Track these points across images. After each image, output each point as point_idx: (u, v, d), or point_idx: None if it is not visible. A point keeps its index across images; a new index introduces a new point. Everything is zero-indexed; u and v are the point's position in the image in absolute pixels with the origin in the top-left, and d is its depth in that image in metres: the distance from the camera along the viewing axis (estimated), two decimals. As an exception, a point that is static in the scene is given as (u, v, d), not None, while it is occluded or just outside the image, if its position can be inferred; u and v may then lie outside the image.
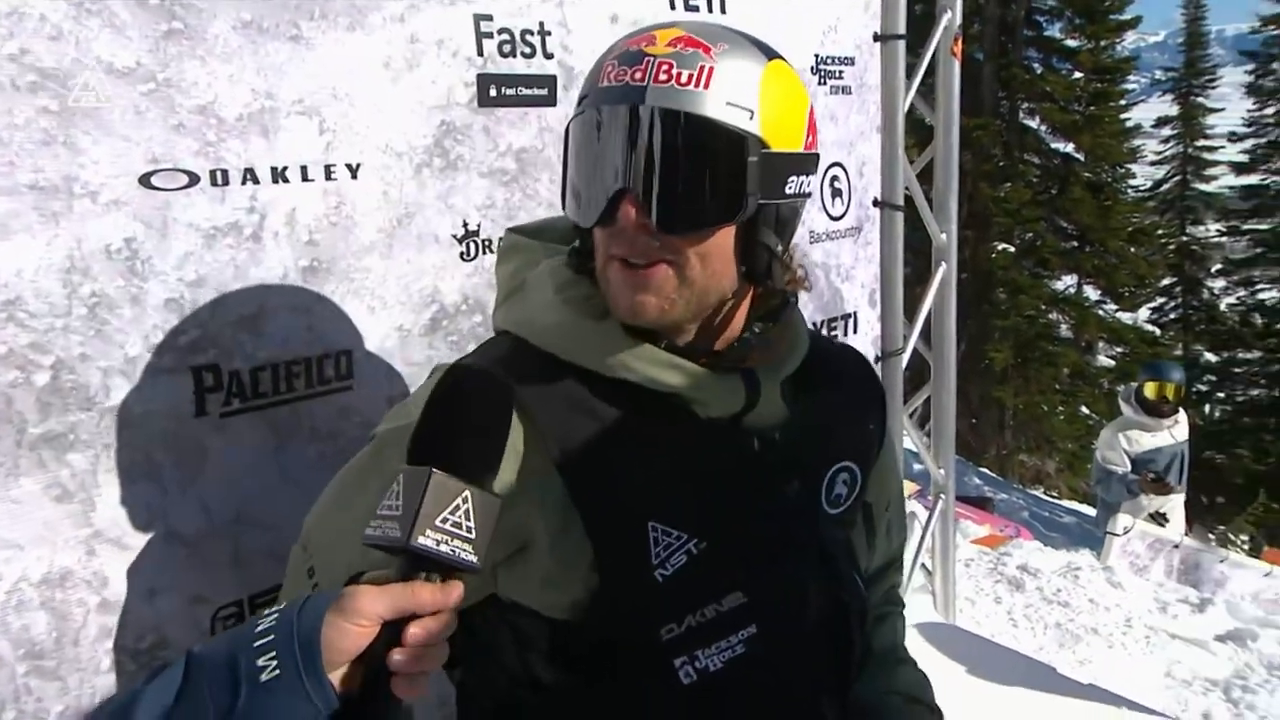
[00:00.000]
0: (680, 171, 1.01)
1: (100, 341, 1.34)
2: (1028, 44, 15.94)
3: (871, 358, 2.69)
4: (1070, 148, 15.77)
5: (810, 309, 2.45)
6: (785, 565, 1.14)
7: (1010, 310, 14.80)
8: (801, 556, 1.16)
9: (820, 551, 1.18)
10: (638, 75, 1.01)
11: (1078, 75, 15.73)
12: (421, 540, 0.82)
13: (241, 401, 1.49)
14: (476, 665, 1.20)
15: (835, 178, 2.49)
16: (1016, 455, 15.04)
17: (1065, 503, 11.87)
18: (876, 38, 2.55)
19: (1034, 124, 15.91)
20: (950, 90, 2.86)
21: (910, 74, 2.69)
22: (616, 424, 1.08)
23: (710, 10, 2.08)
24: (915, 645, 2.01)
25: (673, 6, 2.01)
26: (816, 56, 2.37)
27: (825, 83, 2.39)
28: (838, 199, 2.51)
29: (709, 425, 1.11)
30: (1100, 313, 15.86)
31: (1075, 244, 15.74)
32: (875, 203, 2.60)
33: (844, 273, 2.55)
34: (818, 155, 1.15)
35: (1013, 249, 15.38)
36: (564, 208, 1.11)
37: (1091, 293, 16.24)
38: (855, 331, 2.62)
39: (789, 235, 1.13)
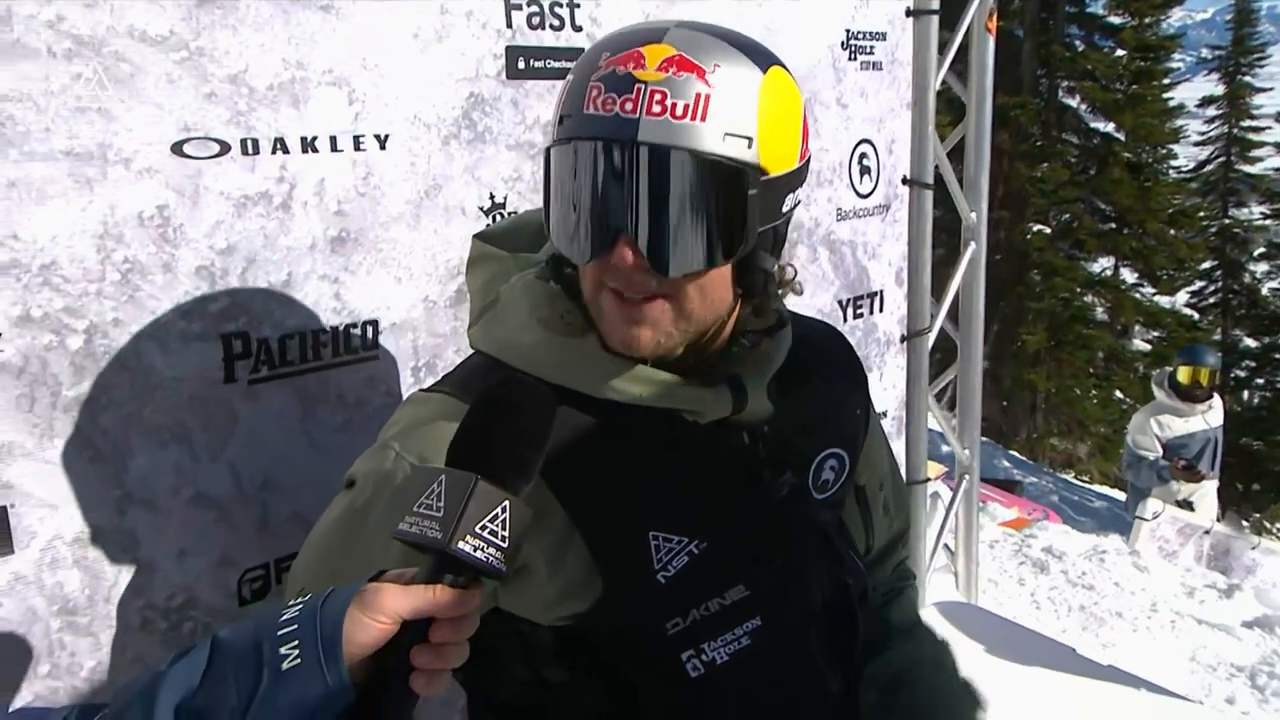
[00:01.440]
0: (679, 214, 0.97)
1: (133, 307, 1.36)
2: (1069, 21, 15.68)
3: (897, 337, 2.68)
4: (1111, 127, 15.53)
5: (836, 286, 2.45)
6: (784, 555, 1.14)
7: (1045, 292, 14.64)
8: (799, 545, 1.16)
9: (818, 537, 1.19)
10: (629, 106, 0.95)
11: (1120, 53, 15.45)
12: (461, 545, 0.83)
13: (270, 369, 1.51)
14: (486, 667, 1.20)
15: (864, 155, 2.47)
16: (1048, 439, 14.93)
17: (1096, 487, 11.79)
18: (909, 12, 2.52)
19: (1074, 103, 15.68)
20: (984, 67, 2.82)
21: (943, 50, 2.66)
22: (606, 439, 1.08)
23: (742, -16, 2.06)
24: (935, 624, 2.02)
25: (703, -20, 2.00)
26: (848, 31, 2.35)
27: (855, 58, 2.37)
28: (866, 176, 2.49)
29: (698, 428, 1.10)
30: (1137, 296, 15.65)
31: (1113, 225, 15.52)
32: (904, 181, 2.59)
33: (871, 250, 2.53)
34: (809, 160, 1.11)
35: (1049, 230, 15.20)
36: (549, 235, 1.06)
37: (1129, 275, 16.02)
38: (881, 310, 2.61)
39: (783, 243, 1.13)
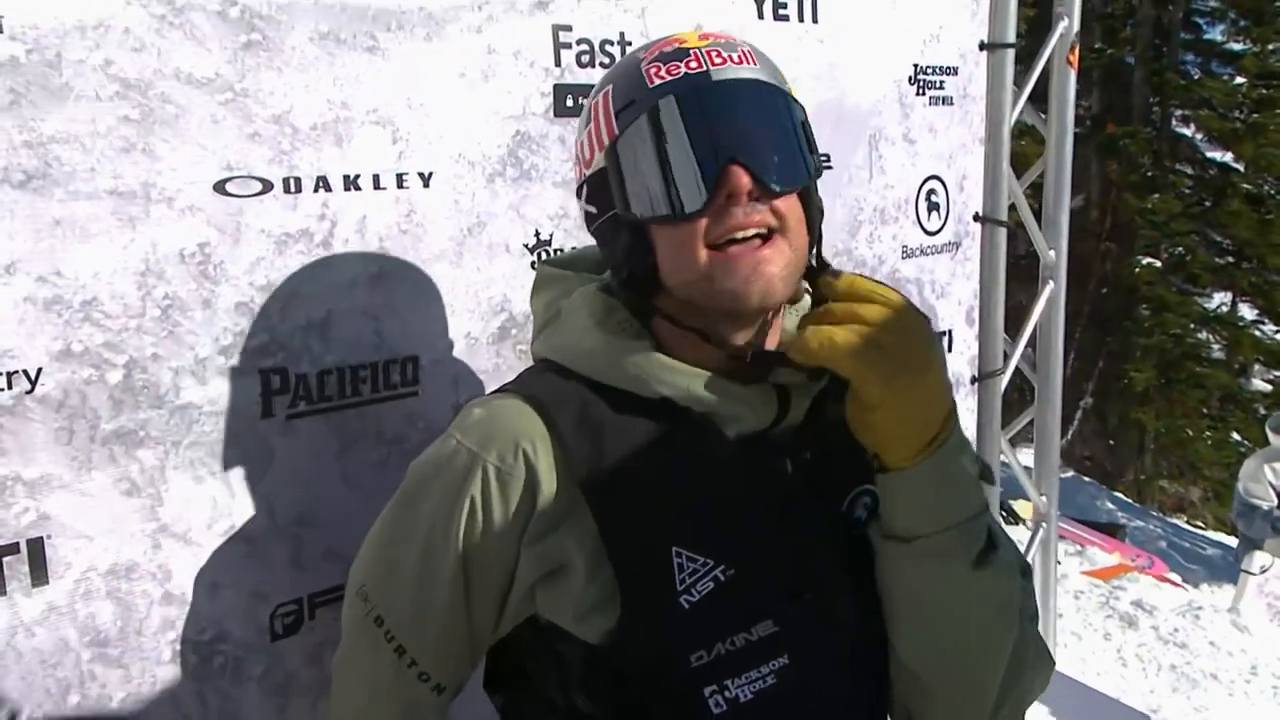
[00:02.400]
0: (773, 132, 1.05)
1: (172, 342, 1.39)
2: (1184, 48, 15.16)
3: (967, 378, 2.59)
4: (1228, 157, 14.90)
5: (901, 326, 2.37)
6: (816, 591, 1.10)
7: (1154, 328, 14.07)
8: (833, 581, 1.12)
9: (852, 579, 1.13)
10: (693, 65, 1.04)
11: (1240, 80, 14.85)
12: None
13: (308, 404, 1.52)
14: (519, 690, 1.21)
15: (932, 191, 2.40)
16: (1156, 481, 14.30)
17: (1210, 534, 11.22)
18: (983, 46, 2.44)
19: (1188, 132, 15.11)
20: (1065, 101, 2.72)
21: (1019, 83, 2.58)
22: (646, 448, 1.08)
23: (801, 20, 2.03)
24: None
25: (760, 16, 1.97)
26: (916, 66, 2.29)
27: (924, 93, 2.31)
28: (934, 213, 2.41)
29: (739, 446, 1.09)
30: (1256, 333, 14.91)
31: (1230, 259, 14.85)
32: (976, 218, 2.50)
33: (939, 289, 2.45)
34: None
35: (1159, 263, 14.63)
36: (637, 214, 1.07)
37: (1247, 312, 15.30)
38: (950, 351, 2.51)
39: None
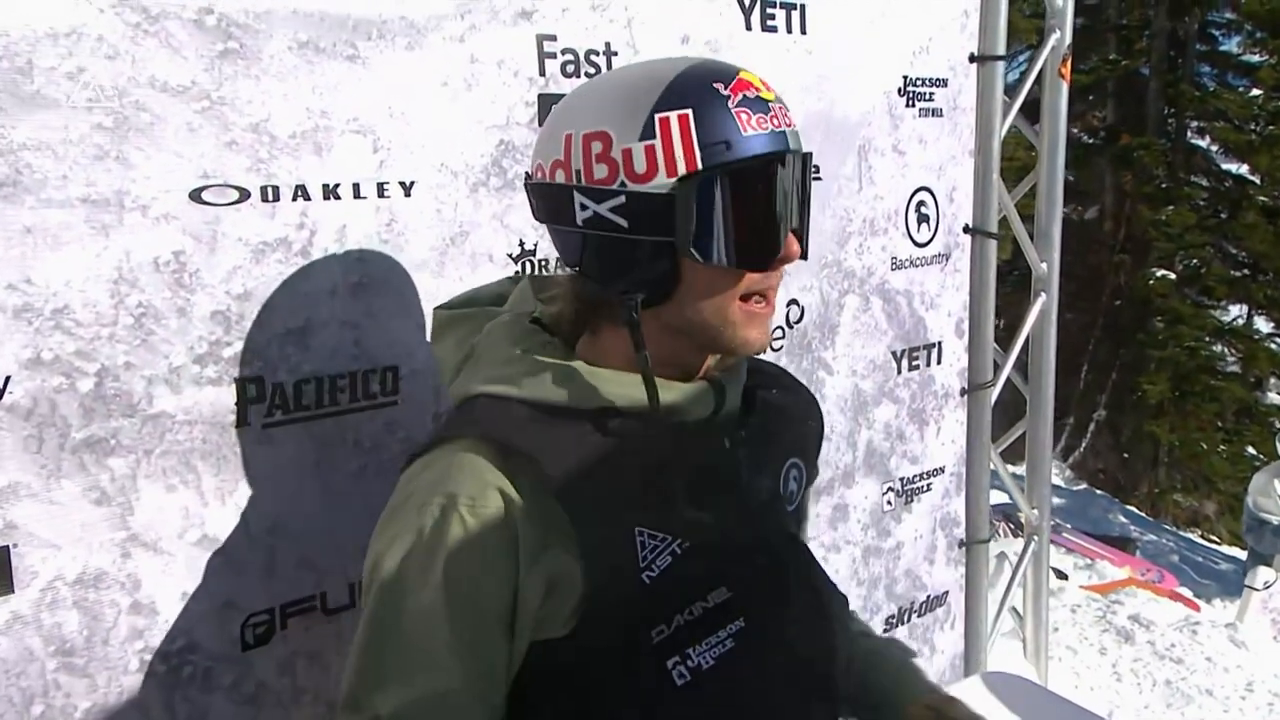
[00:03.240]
0: (808, 206, 1.16)
1: (145, 351, 1.38)
2: (1200, 59, 15.07)
3: (956, 390, 2.57)
4: (1244, 169, 14.80)
5: (889, 337, 2.36)
6: (765, 557, 1.19)
7: (1169, 341, 13.95)
8: (778, 548, 1.23)
9: (793, 542, 1.27)
10: (777, 123, 1.09)
11: (1256, 92, 14.75)
12: None
13: (284, 413, 1.52)
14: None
15: (922, 203, 2.39)
16: (1170, 495, 14.18)
17: (1225, 548, 11.12)
18: (973, 58, 2.43)
19: (1204, 144, 15.01)
20: (1056, 113, 2.72)
21: (1011, 95, 2.57)
22: (599, 446, 1.11)
23: (789, 31, 2.02)
24: (976, 695, 1.89)
25: (749, 27, 1.97)
26: (905, 78, 2.28)
27: (914, 104, 2.30)
28: (924, 225, 2.40)
29: (682, 430, 1.15)
30: (1272, 346, 14.79)
31: (1246, 272, 14.74)
32: (966, 229, 2.49)
33: (928, 301, 2.44)
34: None
35: (1174, 276, 14.52)
36: (699, 256, 1.08)
37: (1263, 325, 15.17)
38: (939, 363, 2.50)
39: None
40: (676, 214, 1.06)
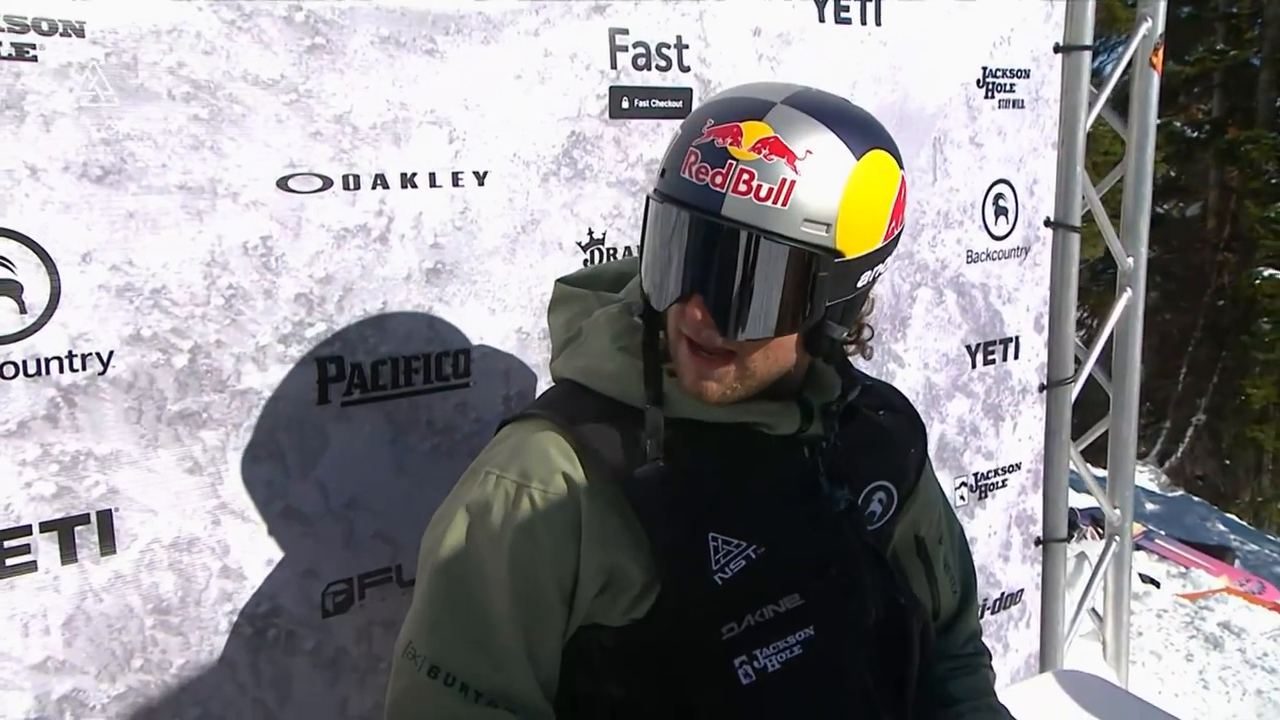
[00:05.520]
0: (748, 288, 1.04)
1: (234, 330, 1.47)
2: (1317, 47, 14.39)
3: (1035, 385, 2.53)
4: (1359, 166, 14.10)
5: (964, 331, 2.34)
6: (840, 568, 1.18)
7: (1275, 343, 13.36)
8: (854, 558, 1.21)
9: (872, 556, 1.24)
10: (718, 180, 1.01)
11: (1373, 84, 14.05)
12: None
13: (362, 392, 1.59)
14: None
15: (1000, 195, 2.35)
16: (1274, 504, 13.59)
17: (1338, 563, 10.62)
18: (1058, 48, 2.39)
19: (1318, 137, 14.33)
20: (1147, 104, 2.64)
21: (1100, 86, 2.52)
22: (679, 452, 1.13)
23: (864, 23, 2.02)
24: (1047, 695, 1.88)
25: (822, 19, 1.97)
26: (984, 69, 2.25)
27: (993, 95, 2.27)
28: (1002, 218, 2.37)
29: (764, 441, 1.16)
30: (1390, 352, 14.08)
31: (1358, 274, 14.05)
32: (1047, 223, 2.45)
33: (1006, 295, 2.41)
34: (899, 235, 1.14)
35: (1281, 276, 13.92)
36: (641, 272, 1.15)
37: (1380, 329, 14.44)
38: (1016, 357, 2.47)
39: (857, 312, 1.17)
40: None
